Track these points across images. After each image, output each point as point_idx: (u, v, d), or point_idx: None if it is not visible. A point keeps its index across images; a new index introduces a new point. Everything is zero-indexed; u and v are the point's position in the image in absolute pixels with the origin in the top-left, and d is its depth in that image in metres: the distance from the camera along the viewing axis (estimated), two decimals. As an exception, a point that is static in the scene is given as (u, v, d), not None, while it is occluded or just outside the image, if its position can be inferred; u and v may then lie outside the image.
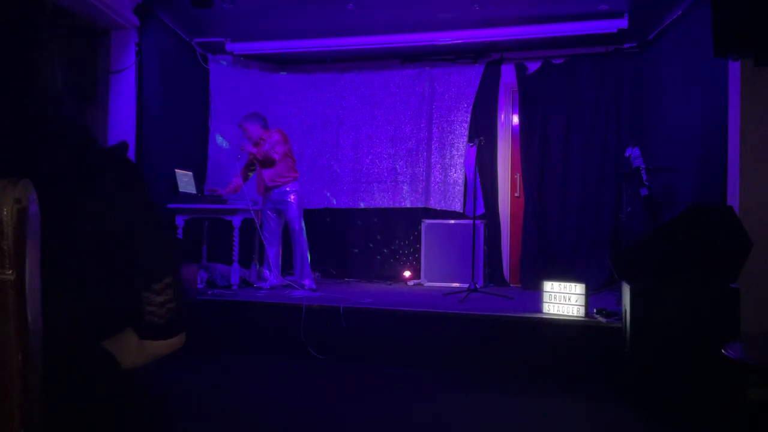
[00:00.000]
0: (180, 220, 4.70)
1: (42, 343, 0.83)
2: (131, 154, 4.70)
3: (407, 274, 5.71)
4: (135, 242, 0.93)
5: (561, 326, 3.62)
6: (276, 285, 4.93)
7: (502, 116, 5.83)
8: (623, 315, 3.24)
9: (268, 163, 4.86)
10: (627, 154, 4.40)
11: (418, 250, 5.69)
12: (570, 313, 3.71)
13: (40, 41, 0.88)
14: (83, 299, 0.90)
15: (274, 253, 5.07)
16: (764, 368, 2.11)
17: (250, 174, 5.19)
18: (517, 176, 5.74)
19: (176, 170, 4.80)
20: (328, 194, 6.05)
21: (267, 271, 5.08)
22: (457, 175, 5.75)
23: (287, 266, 5.84)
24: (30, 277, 0.80)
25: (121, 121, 4.74)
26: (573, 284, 3.75)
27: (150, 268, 0.95)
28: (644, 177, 4.18)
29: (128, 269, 0.93)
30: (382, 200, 5.94)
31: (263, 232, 5.04)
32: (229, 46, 5.59)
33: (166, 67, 4.97)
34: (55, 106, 0.91)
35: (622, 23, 4.81)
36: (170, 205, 4.70)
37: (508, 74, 5.70)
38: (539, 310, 3.84)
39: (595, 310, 3.72)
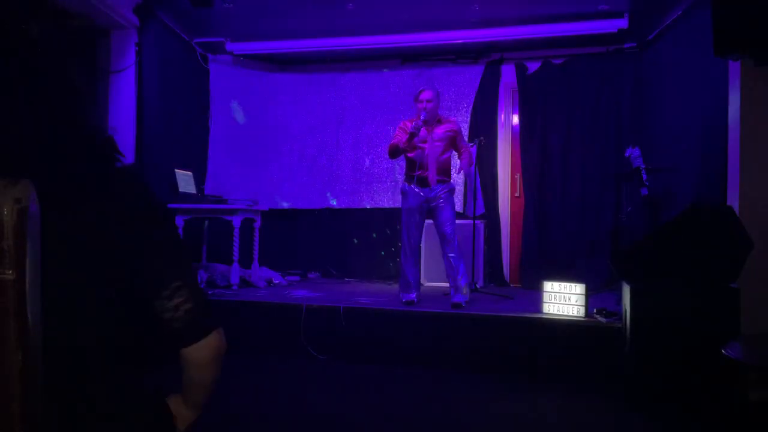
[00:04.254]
0: (180, 220, 4.70)
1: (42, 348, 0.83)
2: (131, 154, 4.70)
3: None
4: (138, 253, 0.92)
5: (561, 326, 3.62)
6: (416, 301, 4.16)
7: (502, 116, 5.83)
8: (623, 315, 3.24)
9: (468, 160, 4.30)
10: (627, 154, 4.40)
11: (418, 250, 5.69)
12: (570, 313, 3.71)
13: (44, 43, 0.88)
14: (91, 315, 0.90)
15: (417, 267, 4.33)
16: (764, 368, 2.10)
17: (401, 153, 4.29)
18: (517, 176, 5.74)
19: (176, 170, 4.80)
20: (328, 194, 6.05)
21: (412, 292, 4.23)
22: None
23: (288, 265, 5.85)
24: (30, 277, 0.80)
25: (121, 121, 4.74)
26: (573, 284, 3.75)
27: (154, 277, 0.94)
28: (644, 177, 4.18)
29: (134, 282, 0.92)
30: (382, 200, 5.94)
31: (410, 242, 4.22)
32: (229, 46, 5.59)
33: (166, 67, 4.98)
34: (80, 110, 0.92)
35: (622, 23, 4.81)
36: (170, 205, 4.69)
37: (508, 74, 5.70)
38: (539, 310, 3.84)
39: (595, 310, 3.72)
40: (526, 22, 5.03)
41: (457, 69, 5.79)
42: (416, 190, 4.22)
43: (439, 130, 4.24)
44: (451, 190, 4.29)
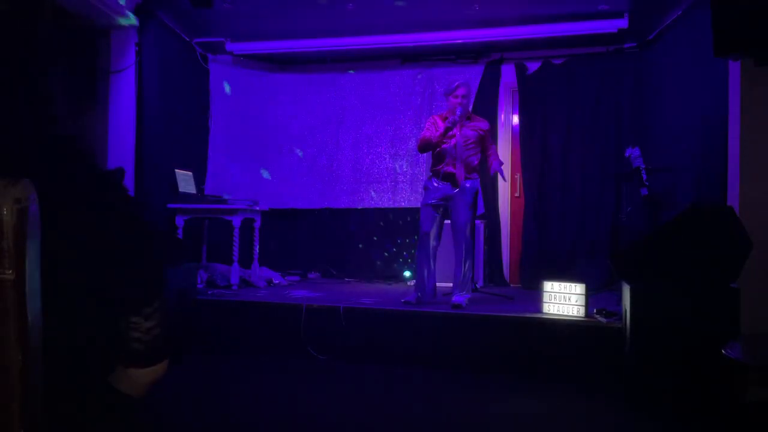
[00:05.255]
0: (180, 220, 4.70)
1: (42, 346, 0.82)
2: (131, 154, 4.70)
3: (407, 274, 5.71)
4: (126, 265, 0.91)
5: (561, 326, 3.62)
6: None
7: (502, 116, 5.83)
8: (623, 315, 3.24)
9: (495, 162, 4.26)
10: (627, 154, 4.40)
11: (418, 250, 5.68)
12: (570, 313, 3.71)
13: (42, 44, 0.88)
14: (76, 314, 0.89)
15: (433, 268, 4.29)
16: (764, 368, 2.11)
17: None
18: (517, 176, 5.74)
19: (176, 170, 4.81)
20: (328, 194, 6.05)
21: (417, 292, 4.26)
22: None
23: (288, 265, 5.85)
24: (30, 277, 0.80)
25: (121, 121, 4.74)
26: (573, 284, 3.75)
27: (142, 293, 0.93)
28: (644, 177, 4.18)
29: (117, 292, 0.92)
30: (382, 200, 5.94)
31: (423, 238, 4.21)
32: (229, 46, 5.59)
33: (166, 67, 4.97)
34: (57, 116, 0.91)
35: (622, 23, 4.81)
36: (170, 205, 4.70)
37: (508, 74, 5.70)
38: (539, 310, 3.83)
39: (595, 310, 3.72)
40: (526, 22, 5.02)
41: (457, 69, 5.79)
42: (439, 185, 4.20)
43: (470, 127, 4.24)
44: (475, 190, 4.27)
